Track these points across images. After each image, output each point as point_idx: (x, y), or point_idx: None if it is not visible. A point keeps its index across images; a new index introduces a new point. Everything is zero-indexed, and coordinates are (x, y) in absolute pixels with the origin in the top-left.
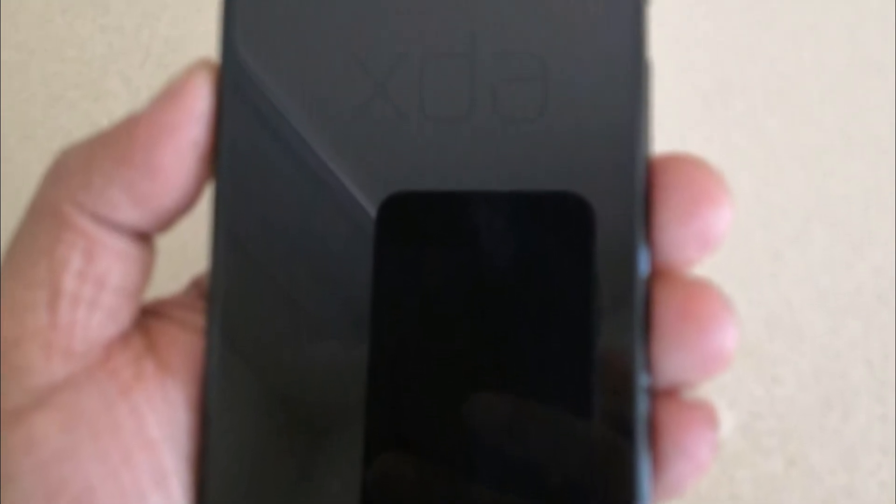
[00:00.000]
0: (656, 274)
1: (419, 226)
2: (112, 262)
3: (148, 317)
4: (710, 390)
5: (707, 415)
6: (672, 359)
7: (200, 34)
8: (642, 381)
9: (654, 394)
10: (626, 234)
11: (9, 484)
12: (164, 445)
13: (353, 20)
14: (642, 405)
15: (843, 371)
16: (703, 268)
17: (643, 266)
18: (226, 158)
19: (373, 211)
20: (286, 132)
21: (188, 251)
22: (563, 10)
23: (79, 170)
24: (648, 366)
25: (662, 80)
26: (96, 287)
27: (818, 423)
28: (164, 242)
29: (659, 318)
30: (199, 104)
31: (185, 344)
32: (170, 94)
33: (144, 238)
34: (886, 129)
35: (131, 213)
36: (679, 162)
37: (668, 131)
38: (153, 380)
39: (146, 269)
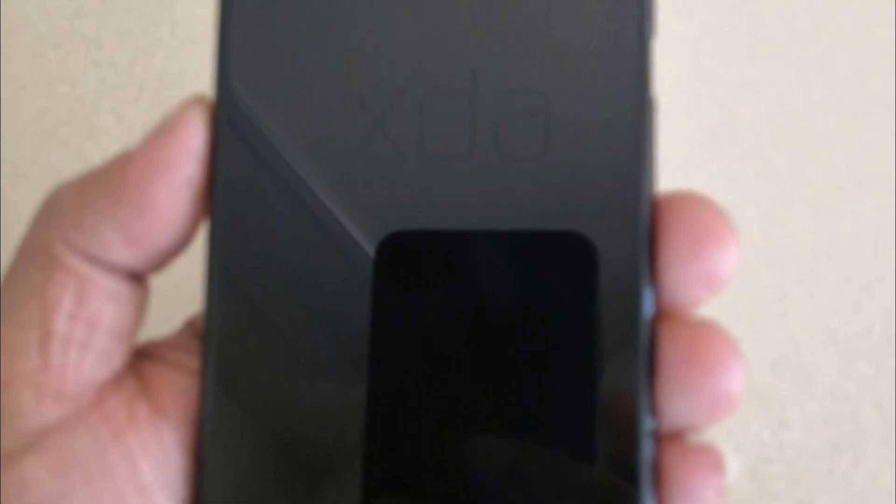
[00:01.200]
0: (661, 315)
1: (419, 265)
2: (104, 302)
3: (141, 359)
4: (715, 434)
5: (713, 459)
6: (677, 402)
7: (195, 70)
8: (647, 424)
9: (659, 437)
10: (629, 274)
11: None
12: (157, 490)
13: (351, 55)
14: (647, 449)
15: (853, 414)
16: (708, 308)
17: (647, 307)
18: (221, 196)
19: (371, 250)
20: (282, 169)
21: (182, 291)
22: (565, 46)
23: (70, 208)
24: (653, 409)
25: (667, 116)
26: (88, 328)
27: (827, 468)
28: (157, 282)
29: (663, 361)
30: (193, 141)
31: (179, 386)
32: (164, 131)
33: (138, 278)
34: None
35: (124, 253)
36: (684, 200)
37: (673, 169)
38: (147, 423)
39: (139, 310)
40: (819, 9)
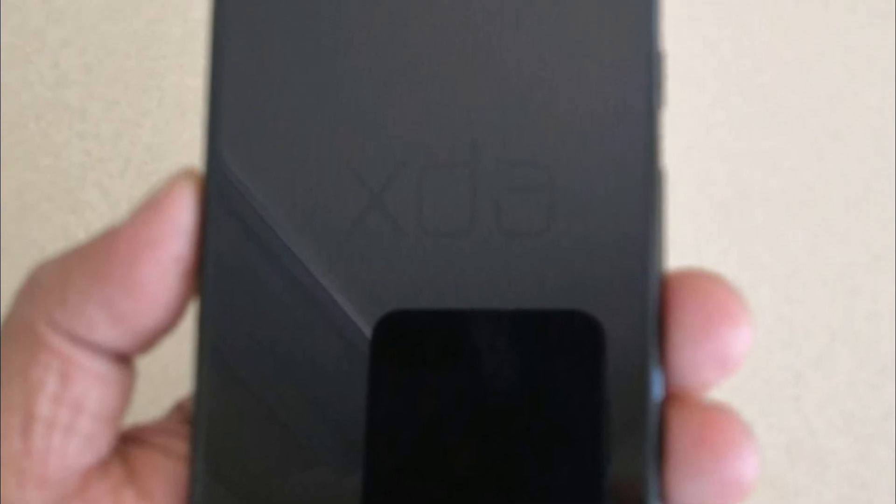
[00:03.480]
0: (670, 397)
1: (418, 347)
2: (89, 385)
3: (128, 443)
4: None
5: None
6: (687, 488)
7: (184, 142)
8: None
9: None
10: (638, 355)
11: None
12: None
13: (347, 127)
14: None
15: (870, 502)
16: (720, 391)
17: (656, 389)
18: (211, 275)
19: (368, 331)
20: (275, 246)
21: (170, 373)
22: (570, 116)
23: (54, 287)
24: (662, 495)
25: (677, 189)
26: (73, 412)
27: None
28: (144, 364)
29: (673, 445)
30: (182, 217)
31: (167, 472)
32: (151, 206)
33: (124, 359)
34: None
35: (110, 333)
36: (695, 278)
37: (683, 245)
38: None
39: (126, 393)
40: (835, 78)
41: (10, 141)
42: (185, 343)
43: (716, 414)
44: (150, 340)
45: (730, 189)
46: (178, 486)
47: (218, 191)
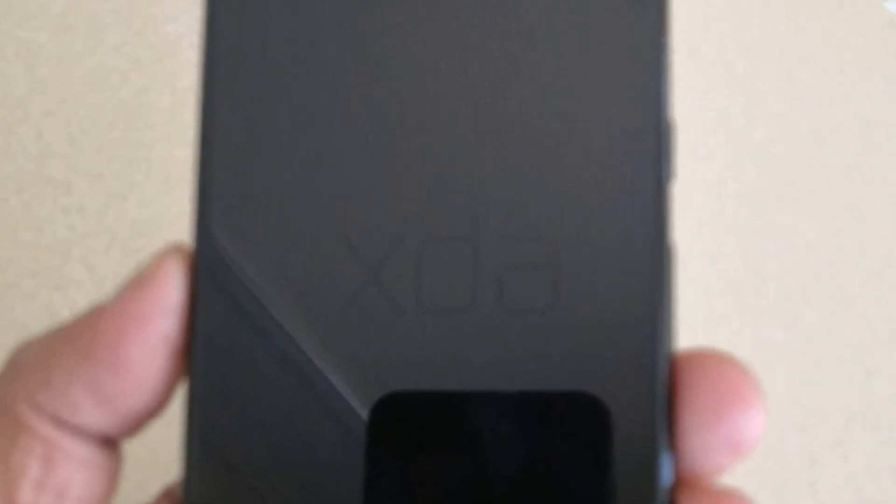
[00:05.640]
0: (680, 483)
1: (417, 430)
2: (74, 470)
3: None
4: None
5: None
6: None
7: (172, 216)
8: None
9: None
10: (646, 439)
11: None
12: None
13: (342, 199)
14: None
15: None
16: (732, 475)
17: (666, 474)
18: (200, 355)
19: (365, 414)
20: (267, 325)
21: (158, 457)
22: (575, 189)
23: (37, 367)
24: None
25: (687, 265)
26: (56, 498)
27: None
28: (131, 448)
29: None
30: (170, 294)
31: None
32: (138, 283)
33: (110, 443)
34: None
35: (95, 416)
36: (705, 358)
37: (694, 323)
38: None
39: (112, 478)
40: (852, 149)
41: None
42: (173, 426)
43: (728, 500)
44: (138, 423)
45: (742, 265)
46: None
47: (207, 267)
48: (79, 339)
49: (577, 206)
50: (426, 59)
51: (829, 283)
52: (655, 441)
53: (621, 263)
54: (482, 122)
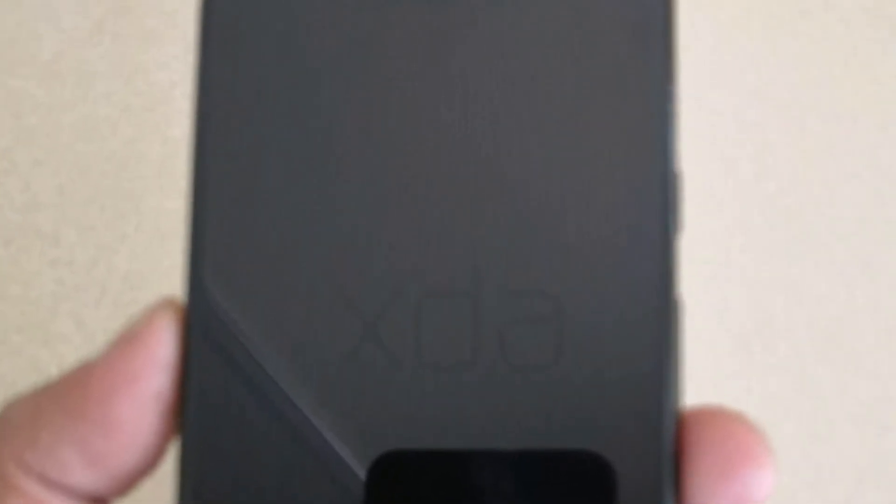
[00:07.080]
0: None
1: (416, 490)
2: None
3: None
4: None
5: None
6: None
7: (164, 269)
8: None
9: None
10: (652, 499)
11: None
12: None
13: (339, 252)
14: None
15: None
16: None
17: None
18: (193, 412)
19: (363, 473)
20: (262, 382)
21: None
22: (579, 242)
23: (24, 425)
24: None
25: (694, 320)
26: None
27: None
28: None
29: None
30: (162, 350)
31: None
32: (129, 339)
33: (100, 503)
34: None
35: (85, 476)
36: (713, 416)
37: (701, 380)
38: None
39: None
40: (864, 201)
41: None
42: (165, 485)
43: None
44: (128, 483)
45: (751, 320)
46: None
47: (200, 322)
48: (67, 397)
49: (582, 260)
50: (427, 109)
51: (840, 338)
52: (662, 501)
53: (627, 318)
54: (485, 173)
